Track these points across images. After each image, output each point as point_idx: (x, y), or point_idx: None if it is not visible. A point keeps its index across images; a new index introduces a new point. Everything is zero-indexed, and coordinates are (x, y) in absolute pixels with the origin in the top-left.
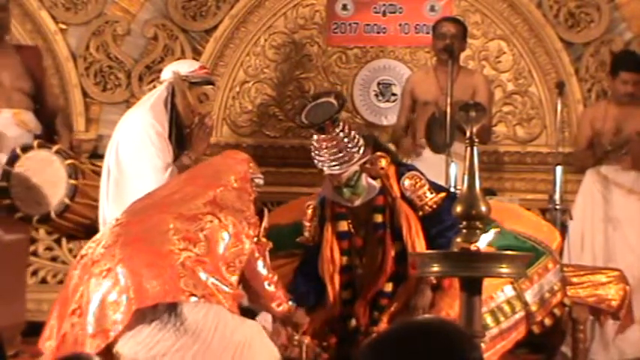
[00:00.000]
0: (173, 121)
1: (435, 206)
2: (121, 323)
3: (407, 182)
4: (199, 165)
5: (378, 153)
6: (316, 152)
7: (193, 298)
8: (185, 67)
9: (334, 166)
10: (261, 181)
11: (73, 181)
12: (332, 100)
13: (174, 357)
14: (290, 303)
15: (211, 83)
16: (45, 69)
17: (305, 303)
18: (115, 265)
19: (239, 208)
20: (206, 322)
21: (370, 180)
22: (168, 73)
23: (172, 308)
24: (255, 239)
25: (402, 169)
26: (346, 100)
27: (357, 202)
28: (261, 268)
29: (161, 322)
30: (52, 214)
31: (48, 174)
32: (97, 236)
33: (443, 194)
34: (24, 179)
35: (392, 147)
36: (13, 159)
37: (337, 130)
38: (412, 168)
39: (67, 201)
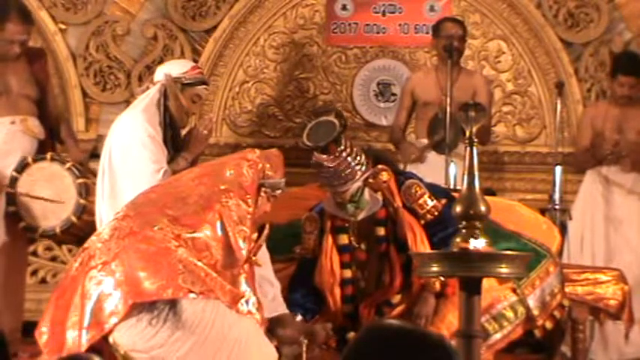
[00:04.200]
0: (167, 123)
1: (436, 213)
2: (116, 316)
3: (407, 191)
4: (212, 163)
5: (380, 166)
6: (318, 171)
7: (192, 295)
8: (177, 68)
9: (337, 184)
10: (280, 184)
11: (82, 201)
12: (333, 119)
13: (172, 348)
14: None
15: (204, 83)
16: (49, 73)
17: (303, 317)
18: (111, 258)
19: (237, 219)
20: (204, 316)
21: (373, 194)
22: (160, 74)
23: (171, 303)
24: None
25: (401, 178)
26: (346, 119)
27: (360, 216)
28: (241, 285)
29: (159, 315)
30: (58, 230)
31: (57, 188)
32: (99, 230)
33: (444, 200)
34: (31, 189)
35: (391, 147)
36: (22, 166)
37: (340, 150)
38: (411, 176)
39: (73, 219)
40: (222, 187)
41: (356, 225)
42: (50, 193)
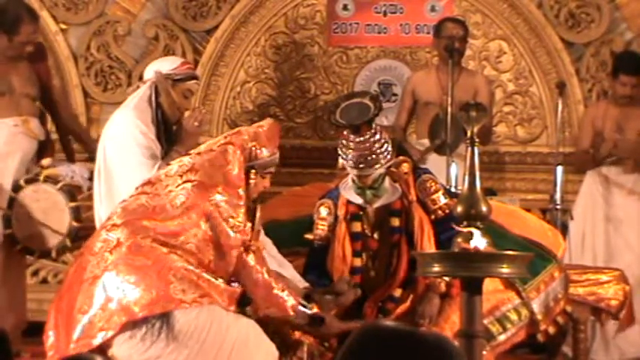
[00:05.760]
0: (159, 119)
1: (447, 211)
2: (106, 332)
3: (422, 185)
4: (199, 152)
5: (401, 157)
6: (344, 151)
7: (184, 305)
8: (167, 64)
9: (362, 167)
10: (271, 162)
11: (75, 224)
12: (367, 101)
13: (168, 359)
14: (300, 308)
15: (195, 78)
16: (50, 71)
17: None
18: (101, 272)
19: (226, 215)
20: (198, 324)
21: (393, 183)
22: (150, 72)
23: (164, 315)
24: (244, 244)
25: (419, 171)
26: (381, 103)
27: (377, 204)
28: (251, 273)
29: (152, 329)
30: (53, 254)
31: (51, 218)
32: (91, 239)
33: (455, 200)
34: (30, 205)
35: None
36: (31, 180)
37: (371, 132)
38: (428, 172)
39: (68, 243)
40: (209, 183)
41: (371, 213)
42: (41, 217)
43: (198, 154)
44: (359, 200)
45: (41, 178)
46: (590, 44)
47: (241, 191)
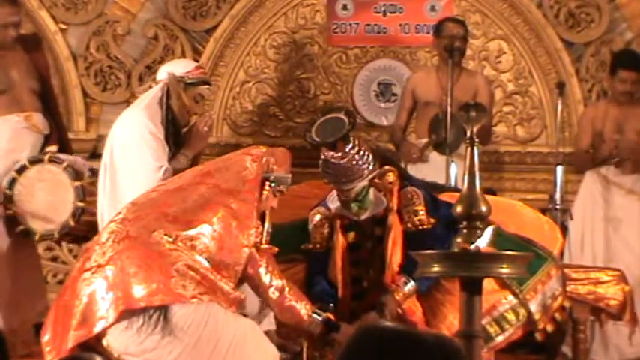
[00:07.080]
0: (169, 121)
1: (420, 228)
2: (105, 320)
3: (405, 195)
4: (216, 161)
5: (386, 167)
6: (324, 167)
7: (182, 299)
8: (180, 67)
9: (343, 182)
10: (285, 179)
11: (80, 204)
12: (342, 116)
13: (163, 351)
14: (315, 315)
15: (207, 83)
16: (48, 61)
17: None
18: (105, 262)
19: (239, 219)
20: (195, 318)
21: (378, 194)
22: (163, 73)
23: (162, 307)
24: (256, 247)
25: (406, 182)
26: (356, 117)
27: (364, 216)
28: (263, 276)
29: (150, 320)
30: (56, 235)
31: (55, 190)
32: (99, 232)
33: (434, 220)
34: (30, 193)
35: (392, 148)
36: (20, 170)
37: (348, 148)
38: (415, 184)
39: (71, 223)
40: (224, 187)
41: (359, 224)
42: (48, 196)
43: (215, 162)
44: (346, 212)
45: (46, 158)
46: (589, 44)
47: (256, 195)
